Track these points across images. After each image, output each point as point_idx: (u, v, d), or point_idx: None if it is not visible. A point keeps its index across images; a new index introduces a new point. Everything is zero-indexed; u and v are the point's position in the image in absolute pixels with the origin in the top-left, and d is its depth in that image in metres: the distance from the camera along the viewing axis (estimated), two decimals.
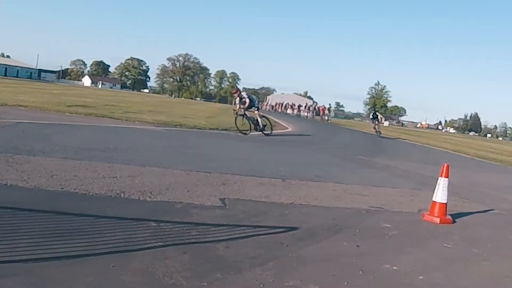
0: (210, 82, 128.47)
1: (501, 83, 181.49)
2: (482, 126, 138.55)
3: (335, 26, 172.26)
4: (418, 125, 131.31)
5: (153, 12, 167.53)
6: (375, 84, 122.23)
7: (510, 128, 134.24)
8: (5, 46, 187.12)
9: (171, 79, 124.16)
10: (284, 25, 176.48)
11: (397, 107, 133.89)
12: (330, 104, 33.38)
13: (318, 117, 44.33)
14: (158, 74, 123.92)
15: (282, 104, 55.16)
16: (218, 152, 8.92)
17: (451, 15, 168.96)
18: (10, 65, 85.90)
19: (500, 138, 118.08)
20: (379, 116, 29.12)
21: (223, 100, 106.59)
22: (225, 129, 12.04)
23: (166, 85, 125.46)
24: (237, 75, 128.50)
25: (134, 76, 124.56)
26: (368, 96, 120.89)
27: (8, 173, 4.67)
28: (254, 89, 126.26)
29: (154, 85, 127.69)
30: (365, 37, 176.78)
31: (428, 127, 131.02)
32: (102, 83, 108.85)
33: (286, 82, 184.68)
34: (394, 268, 3.38)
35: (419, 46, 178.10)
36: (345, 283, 2.96)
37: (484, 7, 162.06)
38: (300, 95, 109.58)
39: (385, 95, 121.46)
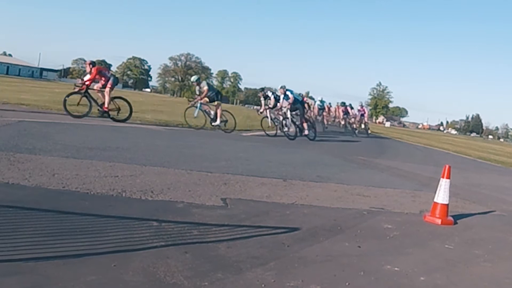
0: (211, 81, 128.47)
1: (503, 85, 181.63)
2: (484, 128, 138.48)
3: (335, 26, 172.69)
4: (420, 126, 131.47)
5: (155, 11, 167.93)
6: (377, 85, 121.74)
7: (511, 129, 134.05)
8: (7, 44, 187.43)
9: (173, 79, 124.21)
10: (285, 25, 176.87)
11: (399, 108, 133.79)
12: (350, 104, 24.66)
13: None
14: (159, 73, 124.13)
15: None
16: (219, 152, 8.92)
17: (452, 15, 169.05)
18: (12, 64, 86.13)
19: (502, 140, 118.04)
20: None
21: (225, 100, 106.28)
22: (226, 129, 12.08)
23: (167, 85, 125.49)
24: (239, 75, 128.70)
25: (136, 75, 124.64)
26: (370, 97, 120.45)
27: (9, 171, 4.68)
28: (255, 89, 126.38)
29: (156, 84, 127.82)
30: (366, 37, 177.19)
31: (430, 128, 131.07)
32: None
33: (286, 82, 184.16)
34: (395, 269, 3.38)
35: (421, 46, 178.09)
36: (347, 283, 2.96)
37: (485, 7, 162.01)
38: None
39: (387, 96, 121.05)
